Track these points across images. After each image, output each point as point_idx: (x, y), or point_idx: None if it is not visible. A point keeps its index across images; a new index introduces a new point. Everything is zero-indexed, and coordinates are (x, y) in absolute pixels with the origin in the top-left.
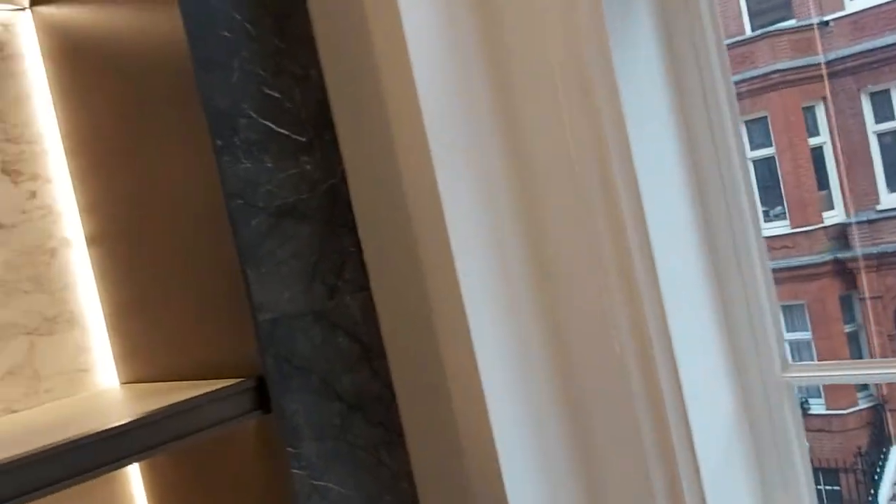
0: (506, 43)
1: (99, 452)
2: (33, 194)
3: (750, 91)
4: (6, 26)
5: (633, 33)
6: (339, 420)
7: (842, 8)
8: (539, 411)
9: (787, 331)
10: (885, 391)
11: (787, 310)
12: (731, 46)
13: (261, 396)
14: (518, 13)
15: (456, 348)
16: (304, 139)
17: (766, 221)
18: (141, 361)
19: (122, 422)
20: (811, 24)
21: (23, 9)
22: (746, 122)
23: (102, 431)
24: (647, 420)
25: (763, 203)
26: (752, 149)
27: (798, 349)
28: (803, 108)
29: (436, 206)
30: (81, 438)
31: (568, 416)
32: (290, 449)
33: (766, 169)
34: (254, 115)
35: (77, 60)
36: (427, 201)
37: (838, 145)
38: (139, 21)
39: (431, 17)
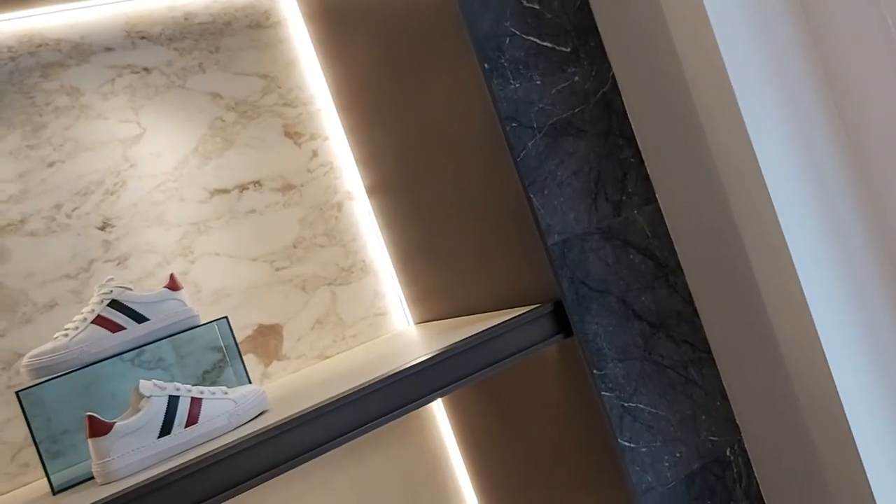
0: None
1: (411, 387)
2: (314, 153)
3: None
4: None
5: None
6: (641, 340)
7: None
8: (872, 316)
9: None
10: None
11: None
12: None
13: (560, 321)
14: None
15: (771, 259)
16: (568, 49)
17: None
18: (433, 301)
19: (432, 355)
20: None
21: None
22: None
23: (416, 365)
24: None
25: None
26: None
27: None
28: None
29: (730, 102)
30: (391, 376)
31: None
32: (595, 371)
33: None
34: (517, 32)
35: (336, 18)
36: (720, 97)
37: None
38: None
39: None
